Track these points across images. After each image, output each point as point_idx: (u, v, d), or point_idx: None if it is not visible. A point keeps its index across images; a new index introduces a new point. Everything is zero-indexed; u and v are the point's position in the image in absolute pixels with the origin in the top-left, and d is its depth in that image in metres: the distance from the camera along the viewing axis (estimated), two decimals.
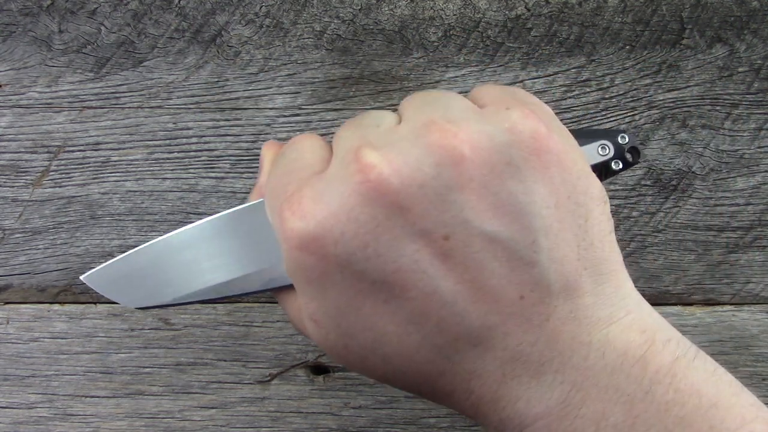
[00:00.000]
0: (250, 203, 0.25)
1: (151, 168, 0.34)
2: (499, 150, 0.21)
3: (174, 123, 0.35)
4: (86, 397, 0.33)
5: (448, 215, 0.20)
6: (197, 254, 0.25)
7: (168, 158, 0.34)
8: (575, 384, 0.21)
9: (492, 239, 0.21)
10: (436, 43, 0.35)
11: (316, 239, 0.21)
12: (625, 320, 0.21)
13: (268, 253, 0.24)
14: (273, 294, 0.26)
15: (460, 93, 0.35)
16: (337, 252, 0.21)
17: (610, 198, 0.25)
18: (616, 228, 0.30)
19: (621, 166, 0.25)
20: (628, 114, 0.35)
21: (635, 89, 0.35)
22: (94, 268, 0.26)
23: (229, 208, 0.26)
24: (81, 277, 0.26)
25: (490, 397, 0.22)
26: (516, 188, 0.21)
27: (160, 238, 0.26)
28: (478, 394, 0.22)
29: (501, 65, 0.35)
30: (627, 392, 0.20)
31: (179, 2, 0.35)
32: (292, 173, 0.23)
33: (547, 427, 0.21)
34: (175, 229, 0.34)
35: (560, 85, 0.35)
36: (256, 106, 0.35)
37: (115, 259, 0.26)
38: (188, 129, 0.35)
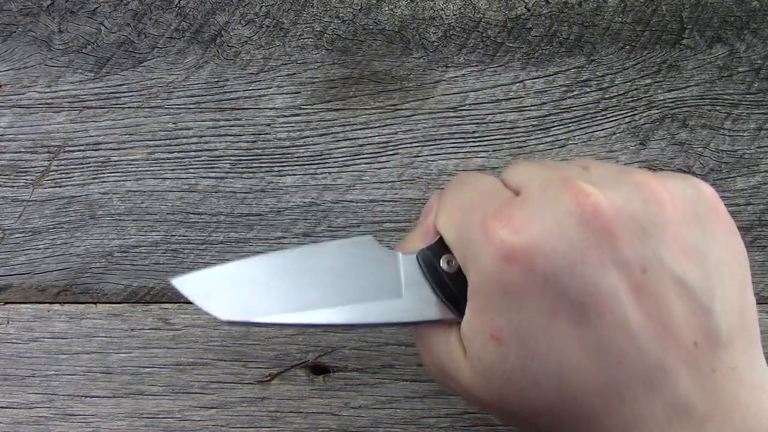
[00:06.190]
0: (355, 238, 0.26)
1: (151, 168, 0.34)
2: (690, 201, 0.23)
3: (174, 123, 0.35)
4: (86, 397, 0.33)
5: (648, 249, 0.21)
6: (300, 278, 0.25)
7: (168, 158, 0.34)
8: None
9: (680, 281, 0.21)
10: (436, 43, 0.35)
11: (528, 252, 0.21)
12: None
13: (388, 286, 0.25)
14: (406, 328, 0.25)
15: (459, 93, 0.35)
16: (545, 266, 0.21)
17: None
18: None
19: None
20: (628, 114, 0.35)
21: (635, 89, 0.35)
22: (183, 274, 0.25)
23: (329, 240, 0.26)
24: (172, 281, 0.25)
25: None
26: (700, 238, 0.22)
27: (258, 256, 0.25)
28: None
29: (501, 65, 0.35)
30: None
31: (179, 2, 0.35)
32: (485, 195, 0.24)
33: None
34: (176, 228, 0.34)
35: (560, 85, 0.35)
36: (256, 106, 0.35)
37: (209, 268, 0.25)
38: (188, 129, 0.35)
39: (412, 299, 0.25)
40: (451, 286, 0.24)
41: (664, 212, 0.22)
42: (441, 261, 0.25)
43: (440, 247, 0.25)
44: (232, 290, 0.25)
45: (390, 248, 0.26)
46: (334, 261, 0.25)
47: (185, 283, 0.25)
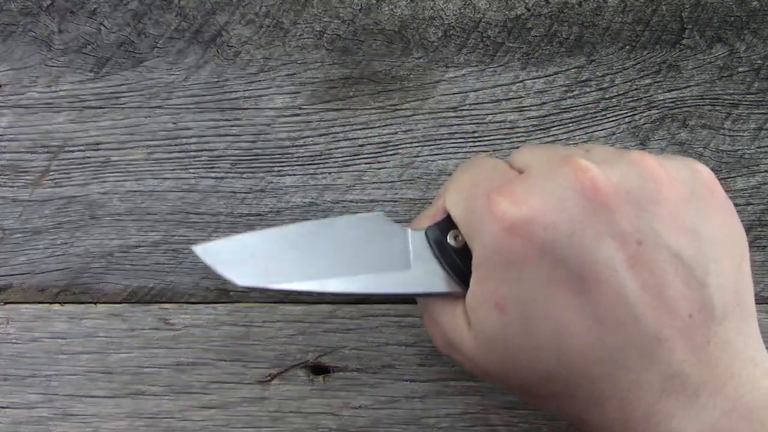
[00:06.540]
0: (366, 213, 0.27)
1: (151, 168, 0.34)
2: (686, 181, 0.24)
3: (174, 123, 0.35)
4: (86, 397, 0.33)
5: (644, 223, 0.22)
6: (314, 249, 0.26)
7: (168, 158, 0.34)
8: (725, 412, 0.21)
9: (675, 254, 0.22)
10: (436, 43, 0.35)
11: (528, 223, 0.22)
12: (766, 366, 0.23)
13: (397, 259, 0.26)
14: (413, 298, 0.27)
15: (459, 93, 0.35)
16: (545, 236, 0.22)
17: None
18: None
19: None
20: (628, 114, 0.35)
21: (635, 89, 0.35)
22: (203, 242, 0.26)
23: (343, 215, 0.28)
24: (193, 248, 0.26)
25: (644, 411, 0.22)
26: (696, 216, 0.23)
27: (274, 228, 0.27)
28: (632, 406, 0.22)
29: (501, 65, 0.35)
30: None
31: (179, 2, 0.35)
32: (491, 174, 0.25)
33: None
34: (176, 228, 0.34)
35: (560, 85, 0.35)
36: (256, 106, 0.35)
37: (228, 237, 0.27)
38: (188, 129, 0.35)
39: (421, 272, 0.26)
40: (457, 261, 0.26)
41: (661, 190, 0.23)
42: (448, 236, 0.26)
43: (448, 223, 0.26)
44: (250, 258, 0.26)
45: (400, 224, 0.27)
46: (346, 234, 0.27)
47: (205, 251, 0.26)
